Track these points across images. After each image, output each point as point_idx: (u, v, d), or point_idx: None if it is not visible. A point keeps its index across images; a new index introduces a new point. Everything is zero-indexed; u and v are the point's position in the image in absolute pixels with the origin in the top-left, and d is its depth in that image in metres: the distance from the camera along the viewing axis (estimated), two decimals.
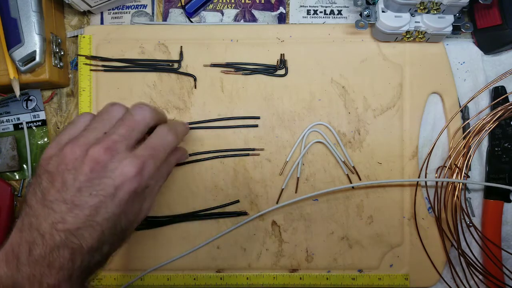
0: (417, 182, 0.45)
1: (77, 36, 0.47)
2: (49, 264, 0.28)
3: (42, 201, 0.29)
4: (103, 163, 0.30)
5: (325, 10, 0.48)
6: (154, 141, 0.33)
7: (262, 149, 0.45)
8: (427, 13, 0.42)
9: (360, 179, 0.45)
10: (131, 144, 0.31)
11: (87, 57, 0.45)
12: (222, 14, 0.48)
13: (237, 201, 0.45)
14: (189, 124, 0.45)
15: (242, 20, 0.48)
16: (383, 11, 0.42)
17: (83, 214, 0.29)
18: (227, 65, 0.45)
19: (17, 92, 0.42)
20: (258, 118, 0.45)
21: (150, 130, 0.34)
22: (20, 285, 0.28)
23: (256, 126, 0.45)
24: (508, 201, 0.45)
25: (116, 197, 0.30)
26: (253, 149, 0.45)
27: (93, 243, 0.29)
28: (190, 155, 0.45)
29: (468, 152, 0.44)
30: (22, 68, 0.41)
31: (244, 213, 0.45)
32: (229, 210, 0.45)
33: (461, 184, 0.43)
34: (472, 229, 0.44)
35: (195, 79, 0.45)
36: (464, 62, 0.46)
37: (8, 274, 0.29)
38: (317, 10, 0.48)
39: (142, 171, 0.31)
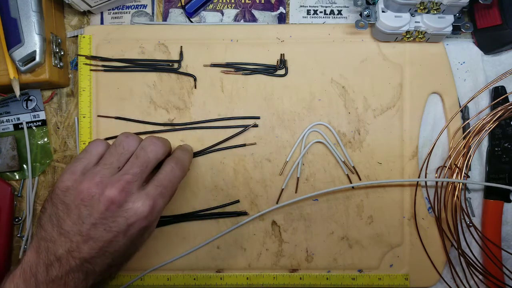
0: (417, 182, 0.45)
1: (77, 36, 0.47)
2: (65, 284, 0.32)
3: (58, 229, 0.32)
4: (118, 203, 0.32)
5: (325, 10, 0.48)
6: (163, 178, 0.35)
7: (254, 143, 0.45)
8: (427, 13, 0.42)
9: (360, 179, 0.45)
10: (142, 181, 0.34)
11: (87, 57, 0.45)
12: (222, 14, 0.48)
13: (237, 201, 0.45)
14: (189, 124, 0.45)
15: (242, 20, 0.48)
16: (383, 11, 0.42)
17: (97, 246, 0.32)
18: (227, 65, 0.45)
19: (17, 92, 0.42)
20: (258, 118, 0.45)
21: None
22: None
23: (256, 126, 0.45)
24: (508, 201, 0.45)
25: (128, 232, 0.33)
26: (244, 144, 0.45)
27: (104, 267, 0.33)
28: None
29: (468, 152, 0.44)
30: (22, 68, 0.41)
31: (244, 213, 0.45)
32: (229, 210, 0.45)
33: (461, 184, 0.43)
34: (472, 229, 0.44)
35: (195, 79, 0.45)
36: (464, 62, 0.46)
37: None
38: (317, 10, 0.48)
39: (153, 210, 0.33)
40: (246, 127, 0.45)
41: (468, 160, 0.44)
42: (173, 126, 0.45)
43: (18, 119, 0.47)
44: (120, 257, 0.34)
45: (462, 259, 0.44)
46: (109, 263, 0.33)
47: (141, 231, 0.34)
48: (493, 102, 0.45)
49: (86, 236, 0.32)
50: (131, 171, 0.34)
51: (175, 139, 0.45)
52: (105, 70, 0.46)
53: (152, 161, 0.35)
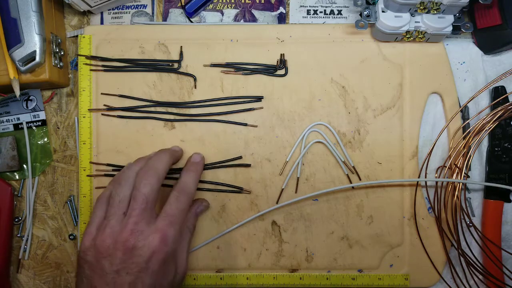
0: (417, 182, 0.45)
1: (77, 36, 0.47)
2: None
3: (89, 286, 0.35)
4: (131, 245, 0.35)
5: (325, 10, 0.48)
6: (169, 208, 0.38)
7: (249, 192, 0.45)
8: (427, 13, 0.42)
9: (360, 179, 0.45)
10: (149, 216, 0.36)
11: (87, 57, 0.45)
12: (222, 14, 0.48)
13: (240, 157, 0.45)
14: (195, 102, 0.45)
15: (242, 20, 0.48)
16: (383, 11, 0.42)
17: None
18: (227, 65, 0.45)
19: (17, 92, 0.42)
20: (261, 98, 0.45)
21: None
22: None
23: (255, 126, 0.45)
24: (508, 201, 0.45)
25: (149, 269, 0.35)
26: (242, 189, 0.45)
27: None
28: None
29: (468, 152, 0.44)
30: (22, 68, 0.41)
31: (247, 165, 0.45)
32: (231, 185, 0.45)
33: (461, 184, 0.43)
34: (472, 229, 0.44)
35: (195, 79, 0.45)
36: (464, 62, 0.46)
37: None
38: (317, 10, 0.48)
39: (166, 240, 0.36)
40: (251, 108, 0.45)
41: (468, 160, 0.44)
42: (178, 108, 0.45)
43: (18, 119, 0.47)
44: None
45: (462, 259, 0.44)
46: None
47: (161, 264, 0.35)
48: (493, 102, 0.45)
49: (113, 285, 0.34)
50: (133, 213, 0.36)
51: (175, 139, 0.45)
52: (105, 70, 0.45)
53: (149, 194, 0.37)
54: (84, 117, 0.45)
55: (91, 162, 0.45)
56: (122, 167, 0.45)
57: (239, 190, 0.45)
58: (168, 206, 0.38)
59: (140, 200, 0.36)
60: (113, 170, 0.45)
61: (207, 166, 0.45)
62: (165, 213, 0.37)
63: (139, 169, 0.38)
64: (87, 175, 0.45)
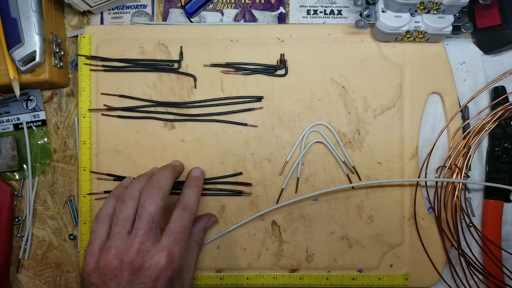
0: (417, 182, 0.45)
1: (77, 36, 0.47)
2: None
3: None
4: (138, 265, 0.34)
5: (325, 10, 0.48)
6: (174, 226, 0.37)
7: (249, 194, 0.45)
8: (427, 13, 0.42)
9: (360, 179, 0.45)
10: (155, 235, 0.36)
11: (87, 57, 0.45)
12: (222, 14, 0.48)
13: (240, 173, 0.45)
14: (196, 103, 0.45)
15: (242, 20, 0.48)
16: (383, 11, 0.42)
17: None
18: (227, 65, 0.45)
19: (17, 92, 0.42)
20: (261, 98, 0.45)
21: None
22: None
23: (256, 126, 0.45)
24: (508, 201, 0.45)
25: None
26: (242, 192, 0.45)
27: None
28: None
29: (468, 152, 0.44)
30: (22, 68, 0.41)
31: (249, 184, 0.45)
32: (232, 189, 0.45)
33: (461, 184, 0.43)
34: (472, 229, 0.44)
35: (195, 79, 0.45)
36: (464, 62, 0.46)
37: None
38: (317, 10, 0.48)
39: (172, 259, 0.35)
40: (251, 108, 0.45)
41: (468, 160, 0.44)
42: (178, 108, 0.45)
43: (18, 119, 0.47)
44: None
45: (462, 259, 0.44)
46: None
47: (168, 282, 0.35)
48: (493, 102, 0.45)
49: None
50: (139, 232, 0.35)
51: (175, 139, 0.45)
52: (105, 70, 0.46)
53: (155, 213, 0.36)
54: (84, 117, 0.45)
55: (91, 172, 0.45)
56: (122, 177, 0.45)
57: (239, 193, 0.45)
58: (172, 224, 0.37)
59: (146, 219, 0.36)
60: (114, 180, 0.45)
61: (207, 181, 0.45)
62: (169, 231, 0.37)
63: (142, 186, 0.38)
64: (88, 193, 0.45)
